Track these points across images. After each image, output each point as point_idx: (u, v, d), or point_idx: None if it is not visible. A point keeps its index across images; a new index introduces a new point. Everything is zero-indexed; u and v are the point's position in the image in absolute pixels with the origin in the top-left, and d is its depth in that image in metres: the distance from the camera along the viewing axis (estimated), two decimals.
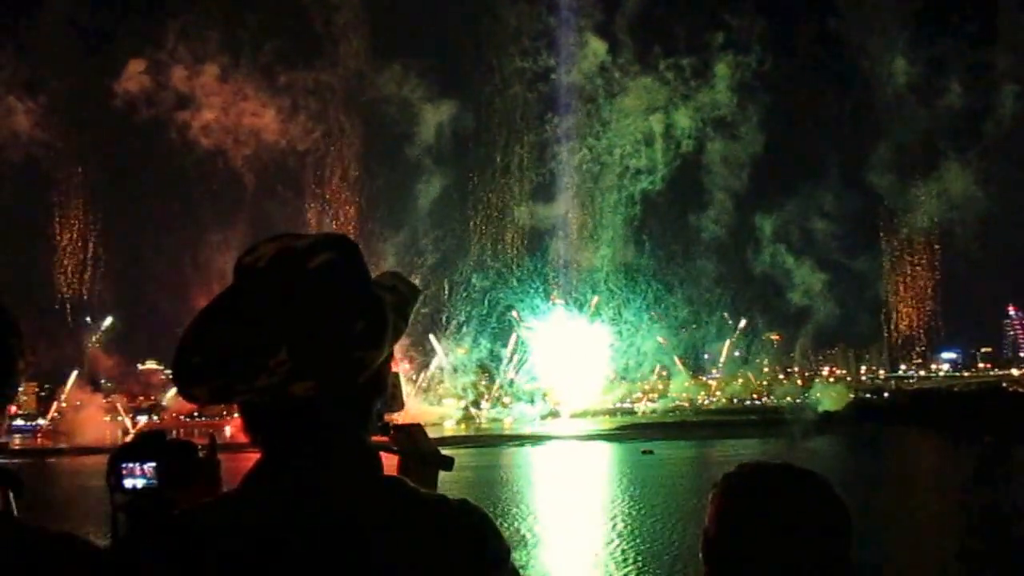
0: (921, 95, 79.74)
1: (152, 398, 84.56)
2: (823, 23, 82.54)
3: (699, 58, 79.73)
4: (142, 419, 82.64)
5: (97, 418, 78.34)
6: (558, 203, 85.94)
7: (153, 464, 2.18)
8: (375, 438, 1.58)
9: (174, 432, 2.59)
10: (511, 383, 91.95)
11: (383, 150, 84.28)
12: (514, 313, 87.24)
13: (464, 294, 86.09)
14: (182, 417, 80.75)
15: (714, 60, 79.57)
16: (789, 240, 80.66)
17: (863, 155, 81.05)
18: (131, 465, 2.18)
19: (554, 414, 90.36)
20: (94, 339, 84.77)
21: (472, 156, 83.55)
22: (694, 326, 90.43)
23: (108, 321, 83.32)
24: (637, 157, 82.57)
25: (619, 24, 79.76)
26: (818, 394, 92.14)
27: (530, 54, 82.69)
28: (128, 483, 2.18)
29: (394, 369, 1.79)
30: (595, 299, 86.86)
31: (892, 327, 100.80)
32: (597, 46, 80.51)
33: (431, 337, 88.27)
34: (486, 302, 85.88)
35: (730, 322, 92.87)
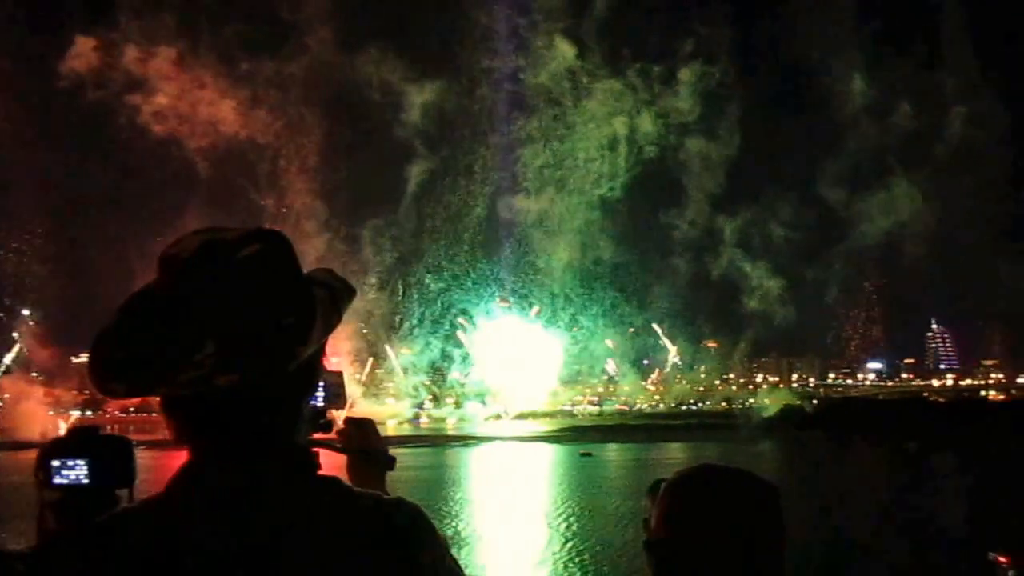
0: (867, 114, 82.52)
1: (87, 392, 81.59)
2: (786, 40, 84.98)
3: (666, 66, 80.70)
4: (75, 414, 79.77)
5: (38, 412, 75.18)
6: (518, 206, 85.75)
7: (84, 461, 2.12)
8: (317, 436, 1.56)
9: (108, 428, 2.50)
10: (462, 384, 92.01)
11: (343, 147, 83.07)
12: (461, 320, 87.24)
13: (417, 295, 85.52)
14: (118, 412, 78.30)
15: (680, 68, 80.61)
16: (742, 249, 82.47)
17: (814, 169, 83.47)
18: (62, 461, 2.12)
19: (497, 416, 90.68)
20: (28, 329, 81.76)
21: (434, 156, 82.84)
22: (637, 332, 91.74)
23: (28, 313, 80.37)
24: (600, 162, 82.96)
25: (587, 29, 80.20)
26: (764, 399, 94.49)
27: (498, 55, 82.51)
28: (58, 480, 2.11)
29: (338, 368, 1.78)
30: (535, 309, 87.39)
31: (824, 337, 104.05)
32: (565, 49, 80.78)
33: (379, 335, 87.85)
34: (439, 303, 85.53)
35: (660, 332, 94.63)
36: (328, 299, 1.25)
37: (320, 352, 1.30)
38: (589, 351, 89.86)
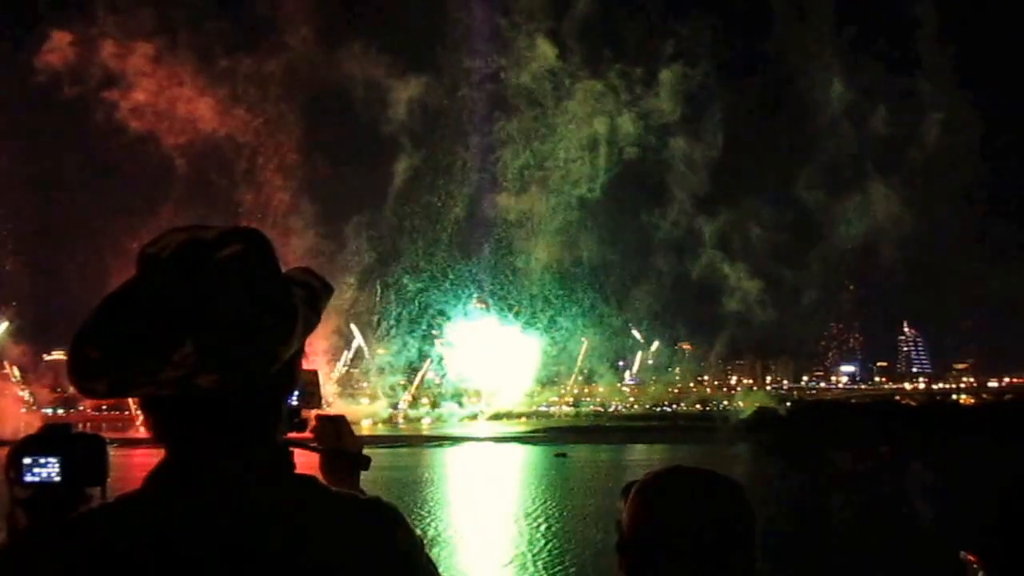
0: (845, 118, 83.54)
1: (59, 390, 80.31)
2: (766, 43, 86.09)
3: (646, 67, 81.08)
4: (48, 411, 78.54)
5: (12, 410, 73.77)
6: (497, 207, 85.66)
7: (56, 458, 2.10)
8: (291, 435, 1.56)
9: (80, 426, 2.47)
10: (438, 385, 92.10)
11: (322, 146, 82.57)
12: (439, 320, 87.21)
13: (395, 295, 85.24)
14: (90, 411, 77.27)
15: (661, 69, 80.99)
16: (720, 251, 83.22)
17: (791, 172, 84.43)
18: (33, 459, 2.10)
19: (473, 416, 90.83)
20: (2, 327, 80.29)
21: (414, 155, 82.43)
22: (615, 333, 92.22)
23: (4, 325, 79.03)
24: (580, 163, 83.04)
25: (569, 30, 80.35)
26: (739, 402, 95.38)
27: (479, 55, 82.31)
28: (29, 478, 2.09)
29: (313, 368, 1.77)
30: (515, 309, 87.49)
31: (799, 340, 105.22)
32: (546, 50, 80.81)
33: (355, 333, 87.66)
34: (417, 304, 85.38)
35: (636, 333, 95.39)
36: (307, 299, 1.26)
37: (300, 352, 1.30)
38: (568, 352, 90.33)
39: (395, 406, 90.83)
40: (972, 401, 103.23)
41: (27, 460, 2.09)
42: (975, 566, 1.72)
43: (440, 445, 70.17)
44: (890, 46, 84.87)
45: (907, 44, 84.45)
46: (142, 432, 1.24)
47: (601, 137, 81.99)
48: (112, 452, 2.25)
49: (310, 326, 1.26)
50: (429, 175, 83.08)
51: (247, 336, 1.14)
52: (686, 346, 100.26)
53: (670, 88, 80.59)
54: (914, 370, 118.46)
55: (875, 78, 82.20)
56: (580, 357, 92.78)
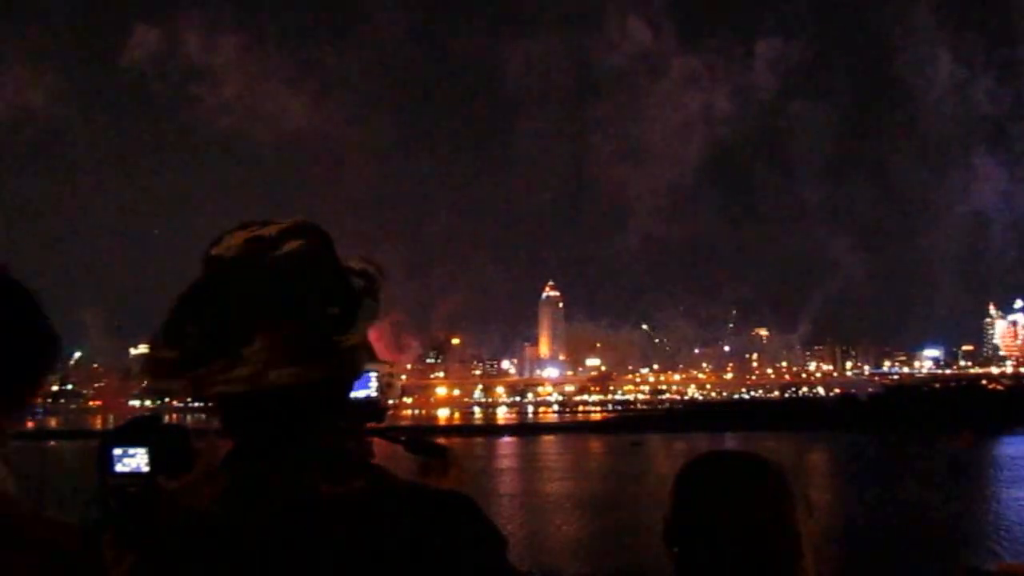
0: (950, 94, 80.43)
1: (144, 383, 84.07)
2: (867, 16, 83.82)
3: (742, 45, 79.72)
4: (135, 403, 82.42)
5: (110, 402, 77.54)
6: (591, 189, 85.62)
7: (144, 449, 2.15)
8: (371, 425, 1.56)
9: (167, 417, 2.54)
10: (517, 375, 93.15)
11: (407, 135, 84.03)
12: (516, 310, 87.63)
13: (478, 284, 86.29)
14: (175, 403, 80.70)
15: (756, 47, 79.43)
16: (814, 234, 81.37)
17: (885, 153, 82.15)
18: (123, 449, 2.16)
19: (549, 405, 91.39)
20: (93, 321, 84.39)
21: (504, 141, 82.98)
22: (704, 320, 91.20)
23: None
24: (673, 143, 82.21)
25: (664, 8, 79.51)
26: (820, 389, 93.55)
27: (572, 35, 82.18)
28: (119, 468, 2.15)
29: (389, 359, 1.78)
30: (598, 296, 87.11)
31: (880, 323, 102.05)
32: (641, 29, 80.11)
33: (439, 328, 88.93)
34: (501, 292, 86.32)
35: (730, 322, 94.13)
36: (367, 287, 1.26)
37: (364, 342, 1.29)
38: (648, 340, 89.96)
39: (474, 396, 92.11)
40: None
41: (117, 451, 2.15)
42: None
43: (516, 434, 70.64)
44: (996, 18, 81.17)
45: (1013, 15, 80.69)
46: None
47: (696, 115, 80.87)
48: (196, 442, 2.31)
49: (373, 314, 1.27)
50: (520, 160, 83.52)
51: (314, 330, 1.17)
52: (762, 331, 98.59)
53: (768, 63, 78.80)
54: (1001, 353, 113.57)
55: (980, 51, 78.83)
56: (660, 344, 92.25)
